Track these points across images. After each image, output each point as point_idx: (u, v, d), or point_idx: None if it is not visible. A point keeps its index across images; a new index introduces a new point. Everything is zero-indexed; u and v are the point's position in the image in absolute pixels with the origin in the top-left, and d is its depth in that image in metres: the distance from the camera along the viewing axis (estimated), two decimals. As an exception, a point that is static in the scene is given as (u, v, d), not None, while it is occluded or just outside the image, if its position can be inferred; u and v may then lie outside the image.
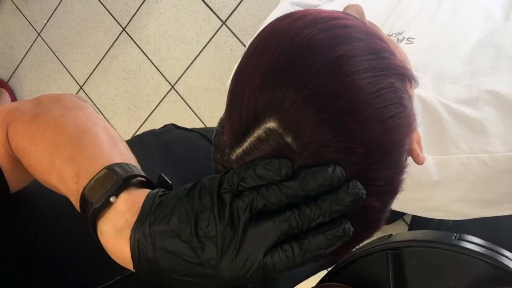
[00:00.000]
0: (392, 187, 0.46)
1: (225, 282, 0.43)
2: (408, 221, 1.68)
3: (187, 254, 0.42)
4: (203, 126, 2.24)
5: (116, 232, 0.46)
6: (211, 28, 2.21)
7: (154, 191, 0.47)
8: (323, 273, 0.74)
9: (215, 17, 2.19)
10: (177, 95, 2.31)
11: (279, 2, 1.03)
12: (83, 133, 0.55)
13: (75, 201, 0.50)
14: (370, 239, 0.53)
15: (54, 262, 0.63)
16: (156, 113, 2.37)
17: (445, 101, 0.71)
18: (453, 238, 0.74)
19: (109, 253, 0.47)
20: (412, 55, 0.76)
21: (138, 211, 0.45)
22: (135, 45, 2.42)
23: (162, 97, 2.35)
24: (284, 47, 0.43)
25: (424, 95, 0.72)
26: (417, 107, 0.72)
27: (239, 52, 2.10)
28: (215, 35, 2.20)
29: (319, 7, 0.93)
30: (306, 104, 0.41)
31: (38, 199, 0.67)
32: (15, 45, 2.85)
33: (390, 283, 0.73)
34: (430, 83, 0.73)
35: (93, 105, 2.55)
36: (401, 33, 0.80)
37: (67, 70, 2.66)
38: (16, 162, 0.60)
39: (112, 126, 0.61)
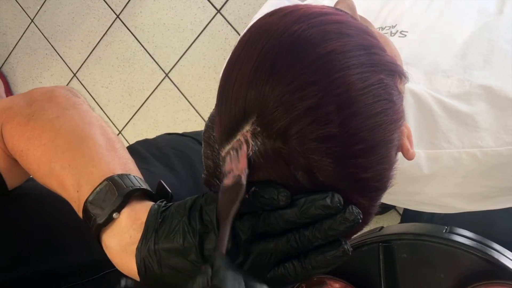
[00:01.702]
0: (381, 183, 0.46)
1: None
2: (401, 212, 1.68)
3: (191, 272, 0.44)
4: (197, 114, 2.24)
5: (121, 248, 0.48)
6: (206, 16, 2.19)
7: (156, 205, 0.48)
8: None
9: (210, 5, 2.18)
10: (171, 83, 2.30)
11: (274, -9, 1.02)
12: (80, 137, 0.55)
13: (77, 209, 0.51)
14: (362, 231, 0.54)
15: (49, 252, 0.64)
16: (150, 101, 2.36)
17: (437, 95, 0.71)
18: (444, 231, 0.75)
19: (115, 265, 0.49)
20: (405, 49, 0.76)
21: (141, 226, 0.47)
22: (129, 32, 2.40)
23: (156, 85, 2.34)
24: (273, 43, 0.43)
25: (417, 89, 0.72)
26: (409, 101, 0.72)
27: (234, 40, 2.09)
28: (210, 24, 2.19)
29: (310, 1, 0.93)
30: (294, 101, 0.41)
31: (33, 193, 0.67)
32: (8, 32, 2.82)
33: (381, 275, 0.74)
34: (422, 77, 0.73)
35: (87, 92, 2.54)
36: (394, 26, 0.79)
37: (61, 57, 2.64)
38: (12, 159, 0.61)
39: (107, 125, 0.61)
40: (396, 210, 1.69)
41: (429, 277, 0.73)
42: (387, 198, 0.50)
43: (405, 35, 0.78)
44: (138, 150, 0.90)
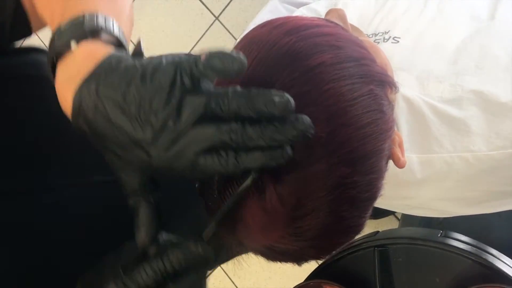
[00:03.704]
0: (370, 193, 0.46)
1: (153, 169, 0.42)
2: (399, 217, 1.68)
3: (124, 128, 0.41)
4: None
5: (66, 79, 0.44)
6: (204, 23, 2.20)
7: (118, 54, 0.44)
8: (310, 269, 0.75)
9: (208, 12, 2.19)
10: (170, 90, 2.31)
11: (271, -2, 1.03)
12: None
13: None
14: (357, 236, 0.54)
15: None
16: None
17: (430, 100, 0.71)
18: (439, 235, 0.75)
19: (58, 99, 0.46)
20: (398, 55, 0.77)
21: (93, 65, 0.43)
22: (128, 39, 2.41)
23: (155, 92, 2.35)
24: (263, 55, 0.44)
25: (409, 94, 0.72)
26: (402, 106, 0.73)
27: (232, 47, 2.09)
28: (208, 30, 2.19)
29: (308, 5, 0.94)
30: None
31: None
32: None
33: (377, 279, 0.74)
34: (415, 82, 0.74)
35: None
36: (387, 32, 0.80)
37: (60, 65, 2.64)
38: None
39: None
40: (395, 216, 1.69)
41: (425, 281, 0.73)
42: (380, 202, 0.50)
43: (398, 41, 0.78)
44: None
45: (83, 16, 0.45)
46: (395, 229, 0.77)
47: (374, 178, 0.46)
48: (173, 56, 0.42)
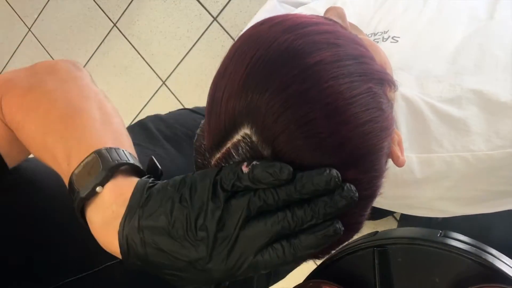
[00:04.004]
0: (370, 191, 0.46)
1: (215, 279, 0.43)
2: (398, 217, 1.68)
3: (178, 252, 0.42)
4: (194, 122, 2.24)
5: (103, 222, 0.46)
6: (202, 24, 2.20)
7: (143, 181, 0.46)
8: (309, 270, 0.74)
9: (206, 13, 2.19)
10: (168, 91, 2.30)
11: (268, -1, 1.03)
12: (75, 110, 0.53)
13: (66, 182, 0.49)
14: (357, 236, 0.54)
15: (45, 243, 0.62)
16: (147, 109, 2.36)
17: (429, 100, 0.71)
18: (438, 235, 0.75)
19: (98, 241, 0.47)
20: (397, 54, 0.77)
21: (125, 202, 0.44)
22: (126, 40, 2.41)
23: (153, 93, 2.35)
24: (262, 53, 0.43)
25: (409, 94, 0.72)
26: (401, 106, 0.72)
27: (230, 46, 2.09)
28: (206, 31, 2.19)
29: (307, 5, 0.94)
30: (283, 110, 0.41)
31: (36, 178, 0.65)
32: (5, 40, 2.83)
33: (376, 280, 0.74)
34: (414, 82, 0.74)
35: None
36: (387, 32, 0.80)
37: (58, 66, 2.64)
38: (12, 133, 0.58)
39: (108, 99, 0.59)
40: (393, 216, 1.69)
41: (424, 281, 0.73)
42: (379, 202, 0.50)
43: (397, 41, 0.78)
44: (147, 127, 0.86)
45: (95, 157, 0.48)
46: (395, 229, 0.77)
47: (374, 176, 0.46)
48: (205, 172, 0.44)
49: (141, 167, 0.50)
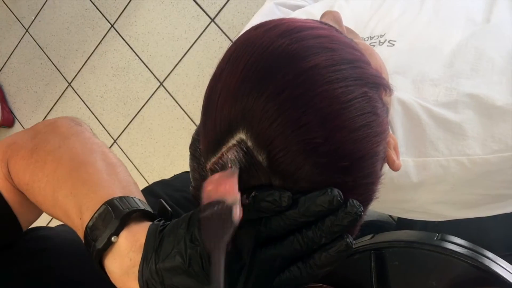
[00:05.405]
0: (366, 196, 0.46)
1: None
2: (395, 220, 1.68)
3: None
4: (191, 123, 2.24)
5: (122, 272, 0.47)
6: (200, 25, 2.20)
7: (154, 225, 0.48)
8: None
9: (204, 14, 2.19)
10: (166, 92, 2.30)
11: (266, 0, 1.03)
12: (80, 165, 0.55)
13: (81, 236, 0.51)
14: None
15: None
16: (145, 110, 2.36)
17: (425, 103, 0.71)
18: (435, 238, 0.75)
19: None
20: (393, 58, 0.76)
21: (141, 248, 0.46)
22: (124, 41, 2.40)
23: (151, 94, 2.34)
24: (257, 58, 0.43)
25: (405, 97, 0.72)
26: (397, 110, 0.72)
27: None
28: (204, 32, 2.19)
29: (303, 8, 0.93)
30: (278, 115, 0.41)
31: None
32: (3, 41, 2.82)
33: (373, 283, 0.74)
34: (410, 86, 0.74)
35: (82, 101, 2.54)
36: (383, 35, 0.80)
37: (55, 67, 2.64)
38: (23, 195, 0.61)
39: (110, 150, 0.61)
40: (392, 218, 1.69)
41: (421, 285, 0.73)
42: (375, 206, 0.50)
43: (394, 44, 0.78)
44: (155, 192, 0.89)
45: (107, 208, 0.49)
46: (391, 232, 0.77)
47: (370, 181, 0.46)
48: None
49: (152, 212, 0.52)
